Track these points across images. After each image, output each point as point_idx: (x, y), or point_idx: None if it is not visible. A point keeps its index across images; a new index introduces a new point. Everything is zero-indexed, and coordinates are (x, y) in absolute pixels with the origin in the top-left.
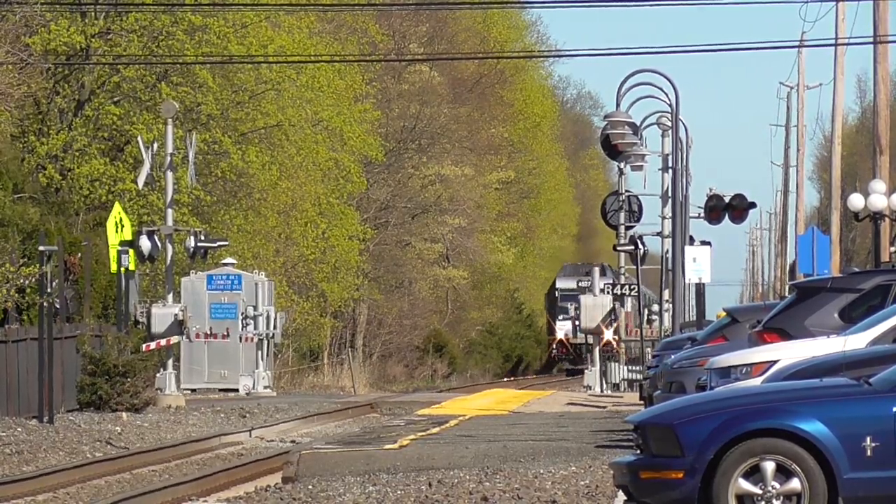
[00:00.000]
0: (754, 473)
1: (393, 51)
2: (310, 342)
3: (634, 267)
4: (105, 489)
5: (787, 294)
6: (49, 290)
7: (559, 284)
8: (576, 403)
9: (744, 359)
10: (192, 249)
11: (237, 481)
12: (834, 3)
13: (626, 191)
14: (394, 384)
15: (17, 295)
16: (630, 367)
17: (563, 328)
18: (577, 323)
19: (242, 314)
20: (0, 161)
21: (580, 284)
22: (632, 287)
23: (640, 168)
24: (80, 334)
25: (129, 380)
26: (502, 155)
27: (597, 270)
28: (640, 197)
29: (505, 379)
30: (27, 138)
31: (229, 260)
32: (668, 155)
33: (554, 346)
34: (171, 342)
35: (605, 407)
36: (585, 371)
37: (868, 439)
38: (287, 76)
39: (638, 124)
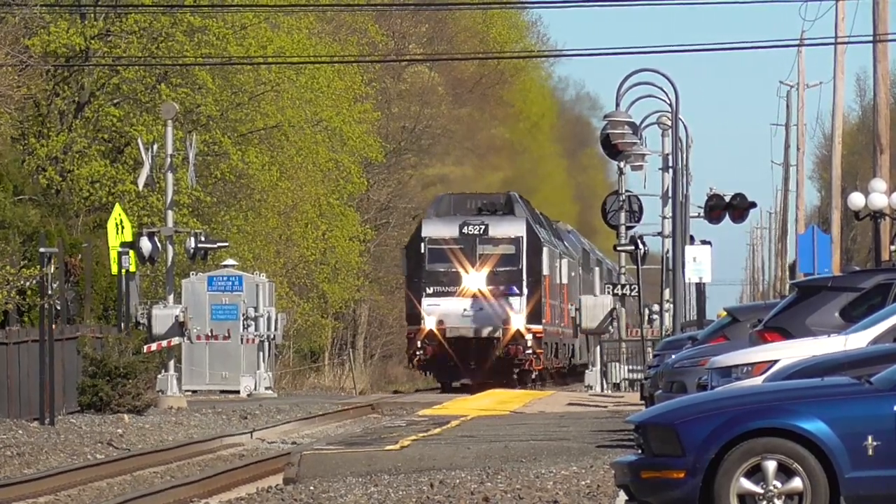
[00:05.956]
0: (756, 473)
1: (393, 51)
2: (311, 343)
3: (635, 267)
4: (106, 491)
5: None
6: (50, 291)
7: (428, 232)
8: (577, 403)
9: (745, 358)
10: (192, 251)
11: (238, 482)
12: (834, 2)
13: (627, 191)
14: (395, 385)
15: (17, 297)
16: (631, 367)
17: (433, 311)
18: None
19: (243, 315)
20: (0, 163)
21: (467, 231)
22: (632, 287)
23: (640, 168)
24: (81, 336)
25: (130, 381)
26: (502, 155)
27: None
28: (640, 197)
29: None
30: (27, 140)
31: (230, 261)
32: (668, 155)
33: (419, 342)
34: (172, 343)
35: (605, 407)
36: (586, 371)
37: (869, 438)
38: (286, 77)
39: (638, 124)
